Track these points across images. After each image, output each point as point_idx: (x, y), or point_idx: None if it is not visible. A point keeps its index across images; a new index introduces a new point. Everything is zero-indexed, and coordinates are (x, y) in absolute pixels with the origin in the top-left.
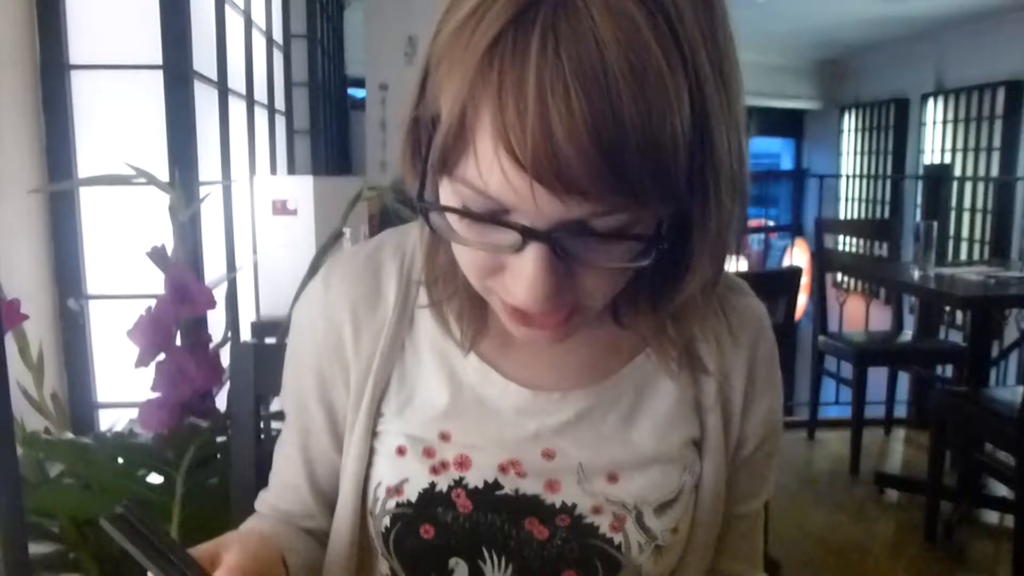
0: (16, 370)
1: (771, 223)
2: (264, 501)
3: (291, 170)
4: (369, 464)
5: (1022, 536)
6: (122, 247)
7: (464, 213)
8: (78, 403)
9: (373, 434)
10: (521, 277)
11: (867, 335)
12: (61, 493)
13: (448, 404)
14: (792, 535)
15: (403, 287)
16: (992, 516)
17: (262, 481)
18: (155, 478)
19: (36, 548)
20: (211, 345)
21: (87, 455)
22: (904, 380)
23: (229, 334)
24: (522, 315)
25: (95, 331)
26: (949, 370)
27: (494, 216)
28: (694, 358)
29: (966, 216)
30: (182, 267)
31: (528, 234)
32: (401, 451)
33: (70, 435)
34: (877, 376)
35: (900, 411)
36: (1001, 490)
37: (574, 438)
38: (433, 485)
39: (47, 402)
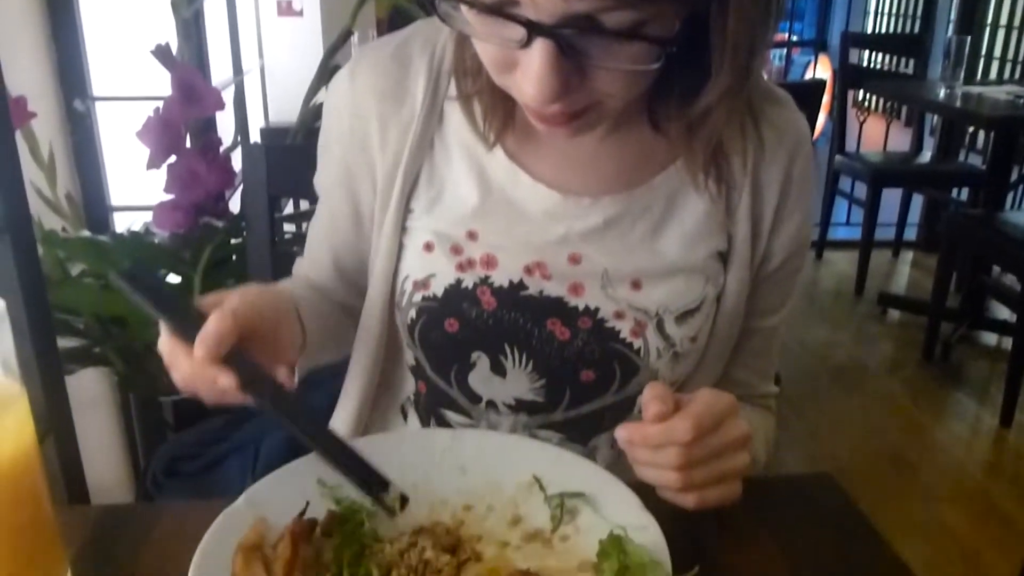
0: (28, 171)
1: (794, 38)
2: (300, 269)
3: None
4: (398, 259)
5: (1018, 357)
6: (126, 48)
7: (470, 3)
8: (92, 206)
9: (402, 229)
10: (529, 74)
11: (885, 156)
12: (83, 290)
13: (477, 203)
14: (793, 350)
15: (432, 81)
16: (990, 338)
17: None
18: (173, 279)
19: (64, 342)
20: (221, 148)
21: (106, 254)
22: (918, 204)
23: (239, 138)
24: (543, 116)
25: (104, 133)
26: (965, 194)
27: (500, 8)
28: (723, 170)
29: (1001, 33)
30: (188, 67)
31: (533, 28)
32: (428, 247)
33: (87, 233)
34: (891, 199)
35: (911, 234)
36: (1002, 313)
37: (601, 244)
38: (459, 281)
39: (61, 202)
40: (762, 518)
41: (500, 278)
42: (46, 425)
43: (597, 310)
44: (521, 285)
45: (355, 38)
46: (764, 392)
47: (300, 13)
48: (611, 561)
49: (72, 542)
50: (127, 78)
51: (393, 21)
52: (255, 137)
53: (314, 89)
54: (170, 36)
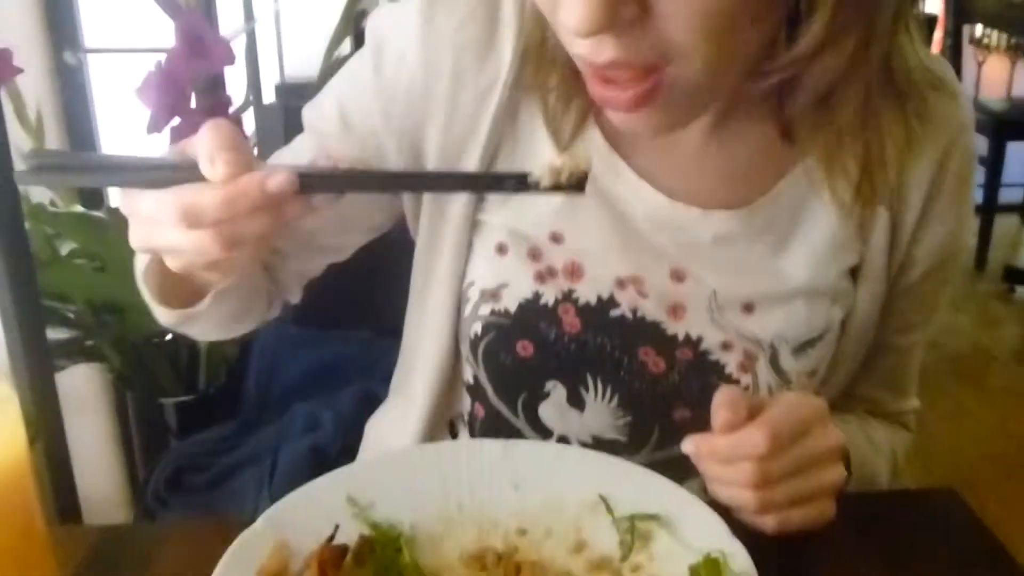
0: (13, 133)
1: None
2: None
3: None
4: (466, 260)
5: None
6: None
7: None
8: None
9: (472, 223)
10: None
11: (1009, 102)
12: (74, 272)
13: (565, 198)
14: None
15: (523, 38)
16: None
17: None
18: None
19: (52, 334)
20: (232, 108)
21: (100, 231)
22: None
23: (251, 97)
24: (600, 75)
25: (97, 90)
26: None
27: None
28: (871, 182)
29: None
30: (194, 15)
31: None
32: (501, 249)
33: (80, 208)
34: (1017, 154)
35: None
36: None
37: (712, 261)
38: (537, 296)
39: None
40: (871, 539)
41: (587, 292)
42: (34, 429)
43: (700, 339)
44: (611, 302)
45: None
46: (899, 409)
47: None
48: None
49: (64, 567)
50: (123, 27)
51: None
52: (269, 96)
53: (337, 39)
54: None
